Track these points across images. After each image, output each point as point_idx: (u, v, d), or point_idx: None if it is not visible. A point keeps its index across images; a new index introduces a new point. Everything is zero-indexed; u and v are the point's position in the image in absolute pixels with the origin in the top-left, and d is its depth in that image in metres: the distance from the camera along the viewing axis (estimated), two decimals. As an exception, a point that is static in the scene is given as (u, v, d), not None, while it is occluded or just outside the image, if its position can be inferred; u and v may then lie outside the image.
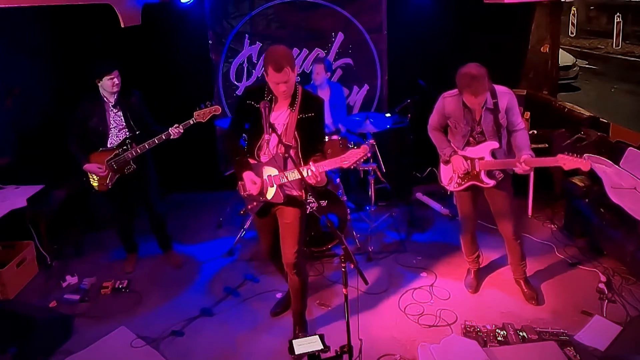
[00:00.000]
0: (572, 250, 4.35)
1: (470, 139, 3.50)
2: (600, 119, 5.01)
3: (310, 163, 2.89)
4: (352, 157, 2.79)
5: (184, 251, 4.70)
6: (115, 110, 3.99)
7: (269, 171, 3.06)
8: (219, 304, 3.91)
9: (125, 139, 3.97)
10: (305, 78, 5.62)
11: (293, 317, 3.48)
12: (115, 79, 3.89)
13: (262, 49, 5.61)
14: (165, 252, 4.55)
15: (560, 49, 6.64)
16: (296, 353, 2.64)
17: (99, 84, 3.91)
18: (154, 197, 4.28)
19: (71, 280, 4.28)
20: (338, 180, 4.56)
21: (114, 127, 3.99)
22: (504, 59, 5.67)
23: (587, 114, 5.12)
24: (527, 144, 3.42)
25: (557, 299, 3.73)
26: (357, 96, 5.83)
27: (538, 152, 3.49)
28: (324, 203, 4.31)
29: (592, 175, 4.23)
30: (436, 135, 3.65)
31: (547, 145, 4.86)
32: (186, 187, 5.79)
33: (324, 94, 5.01)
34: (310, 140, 3.06)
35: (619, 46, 13.72)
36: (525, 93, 5.52)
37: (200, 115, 3.88)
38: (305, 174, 2.87)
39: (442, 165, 3.72)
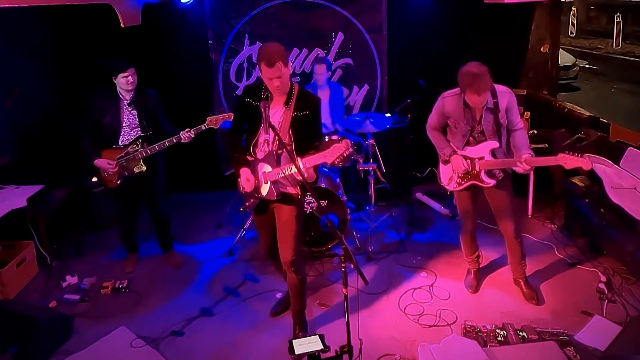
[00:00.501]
0: (572, 250, 4.35)
1: (470, 138, 3.50)
2: (600, 119, 5.01)
3: (298, 159, 2.91)
4: (335, 151, 2.78)
5: (184, 251, 4.70)
6: (130, 109, 4.00)
7: (264, 168, 3.09)
8: (219, 304, 3.91)
9: (137, 138, 3.97)
10: (306, 78, 5.62)
11: (293, 316, 3.48)
12: (130, 77, 3.90)
13: (262, 49, 5.61)
14: (166, 253, 4.55)
15: (560, 49, 6.64)
16: (296, 353, 2.63)
17: (115, 81, 3.92)
18: (159, 197, 4.29)
19: (71, 280, 4.28)
20: (338, 180, 4.56)
21: (126, 126, 3.99)
22: (504, 59, 5.66)
23: (587, 114, 5.12)
24: (526, 143, 3.43)
25: (557, 299, 3.73)
26: (357, 96, 5.83)
27: (538, 152, 3.49)
28: (324, 203, 4.31)
29: (592, 175, 4.23)
30: (435, 135, 3.65)
31: (547, 145, 4.86)
32: (186, 187, 5.79)
33: (324, 94, 5.01)
34: (305, 138, 3.06)
35: (619, 46, 13.73)
36: (525, 93, 5.52)
37: (213, 121, 3.88)
38: (294, 170, 2.90)
39: (441, 165, 3.72)
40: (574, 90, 11.33)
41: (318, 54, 5.61)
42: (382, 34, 5.64)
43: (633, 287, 3.77)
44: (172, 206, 5.43)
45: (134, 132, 4.00)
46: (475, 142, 3.50)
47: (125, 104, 3.98)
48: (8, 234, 4.37)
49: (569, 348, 3.14)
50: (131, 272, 4.39)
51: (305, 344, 2.68)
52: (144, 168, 4.00)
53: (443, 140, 3.61)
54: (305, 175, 2.87)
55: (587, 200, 4.36)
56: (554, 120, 5.30)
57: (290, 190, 3.12)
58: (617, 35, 13.28)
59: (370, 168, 4.65)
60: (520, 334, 3.32)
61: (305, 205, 3.90)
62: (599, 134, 4.73)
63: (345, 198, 4.47)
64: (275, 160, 3.04)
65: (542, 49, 5.88)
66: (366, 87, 5.80)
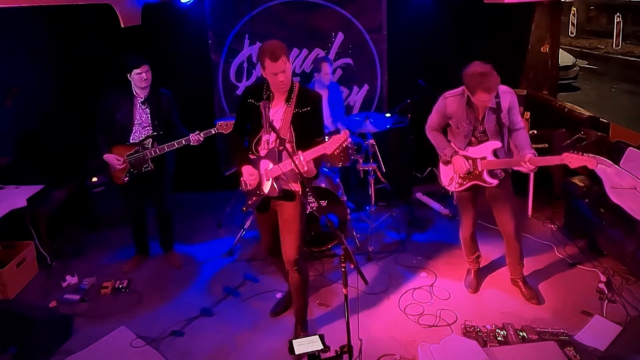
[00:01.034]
0: (572, 250, 4.35)
1: (472, 138, 3.50)
2: (600, 119, 5.01)
3: (299, 152, 2.93)
4: (334, 142, 2.86)
5: (184, 251, 4.70)
6: (143, 107, 4.00)
7: (266, 165, 3.10)
8: (219, 304, 3.91)
9: (147, 137, 3.98)
10: (306, 78, 5.62)
11: (295, 315, 3.48)
12: (144, 74, 3.90)
13: (262, 49, 5.61)
14: (166, 253, 4.54)
15: (560, 49, 6.64)
16: (296, 353, 2.63)
17: (130, 79, 3.93)
18: (166, 197, 4.29)
19: (71, 280, 4.28)
20: (338, 180, 4.56)
21: (138, 124, 4.00)
22: (504, 59, 5.64)
23: (587, 114, 5.12)
24: (528, 142, 3.44)
25: (557, 299, 3.73)
26: (357, 96, 5.83)
27: (538, 152, 3.49)
28: (324, 203, 4.31)
29: (592, 175, 4.23)
30: (435, 136, 3.64)
31: (547, 145, 4.86)
32: (186, 187, 5.78)
33: (323, 93, 5.01)
34: (306, 134, 3.08)
35: (619, 46, 13.74)
36: (525, 93, 5.52)
37: (223, 126, 3.89)
38: (294, 164, 2.90)
39: (442, 166, 3.72)
40: (574, 90, 11.33)
41: (318, 54, 5.60)
42: (382, 34, 5.64)
43: (633, 287, 3.77)
44: (173, 206, 5.45)
45: (145, 131, 4.01)
46: (477, 142, 3.50)
47: (139, 102, 3.99)
48: (8, 234, 4.36)
49: (569, 348, 3.14)
50: (129, 272, 4.37)
51: (305, 344, 2.68)
52: (152, 167, 4.00)
53: (444, 141, 3.61)
54: (305, 168, 2.90)
55: (587, 200, 4.36)
56: (554, 120, 5.30)
57: (292, 186, 3.12)
58: (617, 35, 13.29)
59: (370, 168, 4.65)
60: (520, 334, 3.32)
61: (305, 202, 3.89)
62: (599, 134, 4.73)
63: (345, 198, 4.47)
64: (276, 157, 3.06)
65: (542, 49, 5.88)
66: (366, 87, 5.80)
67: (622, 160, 4.05)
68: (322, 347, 2.67)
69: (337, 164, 4.53)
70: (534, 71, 6.01)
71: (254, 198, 3.22)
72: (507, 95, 3.41)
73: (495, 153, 3.48)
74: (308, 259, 4.24)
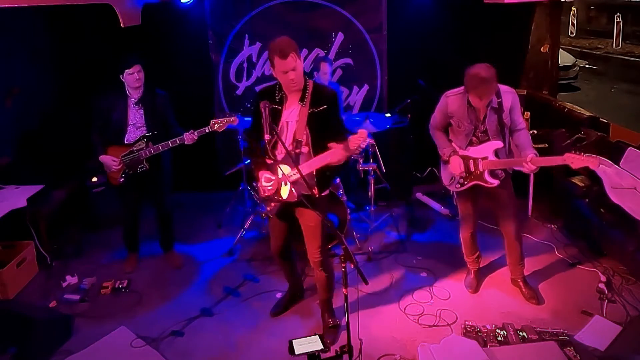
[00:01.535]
0: (572, 250, 4.35)
1: (473, 138, 3.50)
2: (600, 119, 5.01)
3: (330, 145, 2.89)
4: (352, 143, 2.83)
5: (184, 251, 4.70)
6: (137, 108, 4.00)
7: (283, 169, 3.04)
8: (219, 304, 3.91)
9: (142, 137, 3.97)
10: (310, 75, 5.63)
11: (321, 307, 3.55)
12: (136, 74, 3.90)
13: (262, 49, 5.61)
14: (166, 252, 4.55)
15: (560, 49, 6.63)
16: (296, 353, 2.63)
17: (123, 79, 3.93)
18: (164, 194, 4.29)
19: (71, 280, 4.28)
20: (338, 180, 4.56)
21: (132, 124, 4.00)
22: (504, 59, 5.64)
23: (587, 114, 5.11)
24: (529, 142, 3.44)
25: (557, 299, 3.73)
26: (357, 96, 5.83)
27: (539, 152, 3.49)
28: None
29: (592, 175, 4.23)
30: (437, 135, 3.64)
31: (547, 145, 4.85)
32: (186, 187, 5.79)
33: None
34: (324, 134, 2.99)
35: (619, 46, 13.73)
36: (525, 93, 5.52)
37: (218, 124, 3.88)
38: (329, 159, 2.90)
39: (442, 166, 3.72)
40: (574, 90, 11.33)
41: (318, 54, 5.60)
42: (382, 34, 5.64)
43: (633, 287, 3.77)
44: (173, 206, 5.45)
45: (139, 131, 4.01)
46: (478, 142, 3.50)
47: (132, 102, 3.99)
48: (8, 234, 4.37)
49: (569, 348, 3.14)
50: (131, 272, 4.39)
51: (305, 344, 2.67)
52: (147, 167, 4.00)
53: (445, 140, 3.61)
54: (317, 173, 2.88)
55: (587, 200, 4.36)
56: (554, 120, 5.30)
57: (312, 191, 3.00)
58: (617, 35, 13.28)
59: (370, 168, 4.65)
60: (520, 334, 3.32)
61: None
62: (599, 134, 4.72)
63: (345, 198, 4.47)
64: (293, 161, 2.97)
65: (542, 49, 5.88)
66: (366, 87, 5.80)
67: (622, 160, 4.04)
68: (322, 347, 2.66)
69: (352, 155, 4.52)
70: (534, 71, 6.00)
71: (273, 204, 3.17)
72: (509, 95, 3.41)
73: (496, 153, 3.48)
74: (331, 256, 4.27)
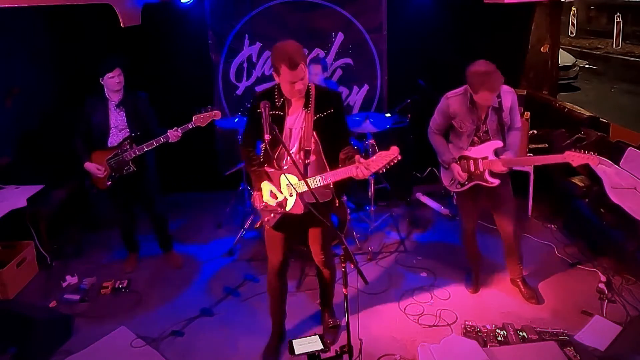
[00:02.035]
0: (572, 250, 4.35)
1: (475, 138, 3.50)
2: (600, 119, 5.01)
3: (357, 158, 2.66)
4: (381, 160, 2.63)
5: (184, 251, 4.70)
6: (117, 110, 4.00)
7: (289, 179, 2.83)
8: (219, 304, 3.91)
9: (125, 139, 3.98)
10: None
11: (321, 305, 3.55)
12: (117, 77, 3.89)
13: (262, 49, 5.61)
14: (165, 253, 4.55)
15: (560, 49, 6.64)
16: (296, 353, 2.63)
17: (102, 83, 3.92)
18: (153, 198, 4.29)
19: (71, 280, 4.28)
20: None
21: (114, 127, 4.00)
22: (504, 59, 5.63)
23: (587, 114, 5.11)
24: (516, 144, 3.50)
25: (557, 299, 3.73)
26: (357, 96, 5.83)
27: (538, 152, 3.51)
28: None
29: (592, 175, 4.23)
30: (437, 140, 3.63)
31: (547, 145, 4.86)
32: (186, 187, 5.79)
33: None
34: (333, 139, 2.86)
35: (619, 46, 13.73)
36: (525, 93, 5.52)
37: (200, 119, 3.88)
38: (321, 181, 2.74)
39: (442, 167, 3.72)
40: (574, 90, 11.33)
41: (318, 54, 5.60)
42: (382, 34, 5.64)
43: (633, 287, 3.77)
44: (172, 206, 5.45)
45: (122, 133, 4.01)
46: (480, 142, 3.50)
47: (113, 105, 3.99)
48: (8, 234, 4.37)
49: (569, 348, 3.14)
50: (131, 272, 4.39)
51: (305, 344, 2.67)
52: (134, 169, 4.00)
53: (444, 146, 3.60)
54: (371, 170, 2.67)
55: (587, 200, 4.36)
56: (554, 120, 5.30)
57: (324, 198, 2.88)
58: (617, 35, 13.27)
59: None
60: (520, 334, 3.32)
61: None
62: (599, 134, 4.73)
63: (345, 198, 4.47)
64: (302, 171, 2.80)
65: (542, 49, 5.88)
66: (366, 87, 5.80)
67: (622, 160, 4.04)
68: (322, 347, 2.66)
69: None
70: (534, 71, 6.01)
71: (272, 215, 2.97)
72: (509, 95, 3.43)
73: (496, 153, 3.49)
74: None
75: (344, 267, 2.58)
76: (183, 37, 5.55)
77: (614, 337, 3.25)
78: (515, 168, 4.18)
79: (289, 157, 2.79)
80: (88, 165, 3.98)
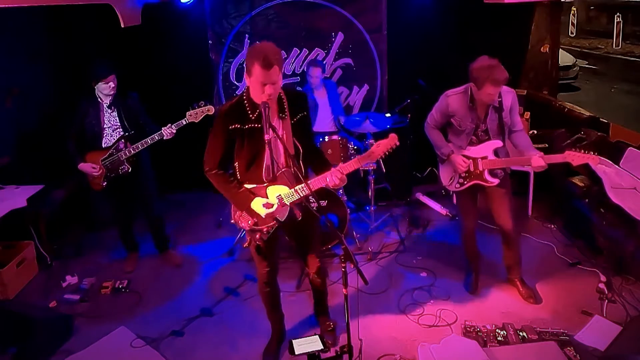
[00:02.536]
0: (572, 250, 4.35)
1: (473, 137, 3.50)
2: (600, 119, 5.01)
3: (340, 166, 2.73)
4: (382, 147, 2.75)
5: (184, 251, 4.70)
6: (110, 111, 4.02)
7: (278, 191, 2.81)
8: (219, 304, 3.91)
9: (119, 138, 3.99)
10: (305, 78, 5.62)
11: (319, 310, 3.51)
12: (111, 83, 3.92)
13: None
14: (162, 253, 4.55)
15: (560, 49, 6.64)
16: (296, 353, 2.64)
17: (95, 87, 3.94)
18: (149, 198, 4.30)
19: (71, 280, 4.28)
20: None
21: (108, 127, 4.02)
22: (504, 59, 5.64)
23: (587, 114, 5.12)
24: (530, 142, 3.46)
25: (557, 299, 3.73)
26: (357, 96, 5.83)
27: (538, 153, 3.50)
28: (323, 203, 4.31)
29: (592, 175, 4.23)
30: (434, 134, 3.64)
31: (547, 145, 4.85)
32: (186, 186, 5.79)
33: (321, 93, 5.03)
34: (310, 140, 2.92)
35: (619, 46, 13.74)
36: (525, 93, 5.52)
37: (193, 115, 3.89)
38: (329, 180, 2.72)
39: (441, 166, 3.72)
40: (574, 90, 11.33)
41: (318, 54, 5.60)
42: (382, 34, 5.63)
43: (633, 287, 3.77)
44: (172, 206, 5.46)
45: (116, 133, 4.02)
46: (478, 142, 3.50)
47: (105, 106, 4.00)
48: (8, 234, 4.37)
49: (569, 348, 3.14)
50: (131, 271, 4.39)
51: (305, 344, 2.68)
52: (129, 168, 4.01)
53: (442, 139, 3.61)
54: (345, 181, 2.72)
55: (587, 200, 4.36)
56: (554, 120, 5.30)
57: (314, 204, 2.90)
58: (617, 35, 13.28)
59: (370, 168, 4.65)
60: (520, 334, 3.32)
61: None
62: (599, 134, 4.73)
63: (345, 198, 4.47)
64: (291, 178, 2.79)
65: (542, 49, 5.88)
66: (366, 87, 5.80)
67: (622, 160, 4.05)
68: (322, 347, 2.67)
69: (337, 163, 4.52)
70: (534, 71, 6.01)
71: (264, 229, 2.87)
72: (509, 95, 3.43)
73: (495, 152, 3.49)
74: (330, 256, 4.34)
75: (344, 267, 2.58)
76: (183, 37, 5.55)
77: (614, 337, 3.25)
78: (514, 168, 4.19)
79: (280, 167, 2.78)
80: (82, 166, 3.99)
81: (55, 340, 3.52)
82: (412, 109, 5.17)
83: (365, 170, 4.78)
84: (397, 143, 2.74)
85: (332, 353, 2.73)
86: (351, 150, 4.62)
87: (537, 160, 3.28)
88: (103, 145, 4.01)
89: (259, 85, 2.56)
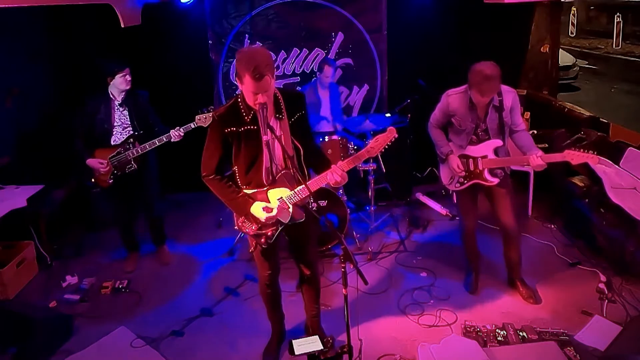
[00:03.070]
0: (572, 250, 4.35)
1: (473, 137, 3.51)
2: (600, 119, 5.01)
3: (339, 163, 2.72)
4: (381, 142, 2.74)
5: (184, 251, 4.70)
6: (121, 109, 4.03)
7: (279, 193, 2.80)
8: (219, 304, 3.91)
9: (129, 137, 4.00)
10: (306, 78, 5.63)
11: (314, 323, 3.37)
12: (127, 76, 3.95)
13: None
14: (157, 248, 4.58)
15: (560, 49, 6.64)
16: (296, 353, 2.64)
17: (111, 82, 3.95)
18: (152, 198, 4.31)
19: (71, 280, 4.28)
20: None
21: (118, 125, 4.03)
22: (503, 59, 5.63)
23: (587, 114, 5.12)
24: (532, 141, 3.46)
25: (557, 299, 3.73)
26: (357, 96, 5.83)
27: (538, 153, 3.50)
28: (323, 203, 4.31)
29: (592, 175, 4.23)
30: (436, 133, 3.65)
31: (547, 145, 4.85)
32: (186, 187, 5.78)
33: (325, 93, 5.02)
34: (309, 140, 2.89)
35: (619, 46, 13.74)
36: (525, 93, 5.52)
37: (202, 119, 3.91)
38: (330, 177, 2.70)
39: (442, 165, 3.72)
40: (574, 90, 11.33)
41: (318, 54, 5.60)
42: (382, 34, 5.64)
43: (633, 287, 3.77)
44: (172, 206, 5.46)
45: (125, 132, 4.04)
46: (478, 141, 3.50)
47: (117, 104, 4.01)
48: (8, 234, 4.37)
49: (569, 348, 3.14)
50: (132, 271, 4.39)
51: (305, 344, 2.68)
52: (135, 167, 4.02)
53: (443, 139, 3.62)
54: (345, 179, 2.70)
55: (587, 200, 4.36)
56: (554, 120, 5.30)
57: (315, 205, 2.94)
58: (617, 35, 13.29)
59: (370, 168, 4.65)
60: (520, 334, 3.32)
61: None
62: (599, 134, 4.73)
63: (345, 198, 4.47)
64: (291, 180, 2.77)
65: (542, 49, 5.88)
66: (366, 87, 5.80)
67: (622, 160, 4.05)
68: (322, 347, 2.67)
69: (337, 162, 4.53)
70: (534, 71, 6.01)
71: (269, 233, 2.86)
72: (510, 95, 3.43)
73: (495, 152, 3.49)
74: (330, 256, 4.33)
75: (344, 267, 2.58)
76: (183, 37, 5.55)
77: (614, 337, 3.25)
78: (514, 167, 4.19)
79: (279, 169, 2.76)
80: (90, 162, 3.99)
81: (55, 340, 3.52)
82: (412, 109, 5.18)
83: (365, 170, 4.78)
84: (396, 135, 2.74)
85: (332, 353, 2.73)
86: (351, 150, 4.63)
87: (536, 160, 3.29)
88: (112, 143, 4.02)
89: (251, 94, 2.57)
